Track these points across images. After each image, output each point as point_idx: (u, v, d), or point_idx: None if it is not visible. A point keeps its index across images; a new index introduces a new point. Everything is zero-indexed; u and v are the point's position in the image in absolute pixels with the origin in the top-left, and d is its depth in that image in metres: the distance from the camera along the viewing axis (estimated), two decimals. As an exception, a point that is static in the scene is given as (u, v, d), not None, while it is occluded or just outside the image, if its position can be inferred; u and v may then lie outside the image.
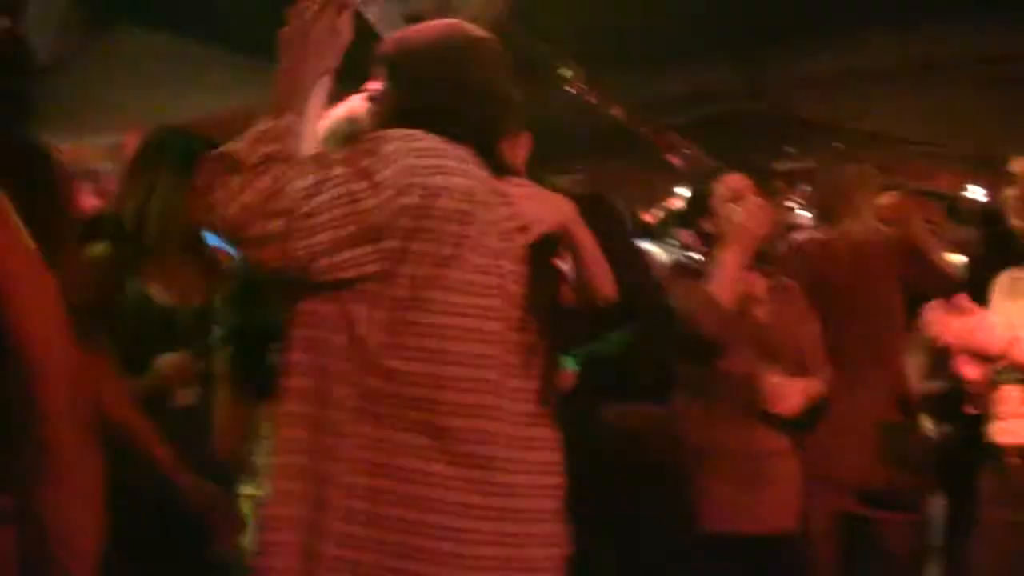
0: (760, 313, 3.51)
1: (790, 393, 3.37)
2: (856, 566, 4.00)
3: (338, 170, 1.88)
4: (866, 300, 4.06)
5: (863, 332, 3.99)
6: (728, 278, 3.43)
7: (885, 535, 4.02)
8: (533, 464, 2.06)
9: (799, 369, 3.47)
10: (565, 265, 2.25)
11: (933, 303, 3.32)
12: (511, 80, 2.20)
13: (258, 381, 2.38)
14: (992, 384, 3.36)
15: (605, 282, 2.31)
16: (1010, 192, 3.44)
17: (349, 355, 1.93)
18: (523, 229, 2.10)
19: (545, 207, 2.21)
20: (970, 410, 3.65)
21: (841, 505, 3.98)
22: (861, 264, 4.12)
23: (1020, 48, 6.54)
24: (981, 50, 6.65)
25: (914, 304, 3.89)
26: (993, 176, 3.65)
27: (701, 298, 3.40)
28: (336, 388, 1.94)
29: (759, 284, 3.55)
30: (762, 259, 3.56)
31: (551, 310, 2.15)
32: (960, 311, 3.26)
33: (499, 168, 2.12)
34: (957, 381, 3.63)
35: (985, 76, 6.72)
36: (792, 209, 5.11)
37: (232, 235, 1.85)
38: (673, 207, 6.58)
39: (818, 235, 4.27)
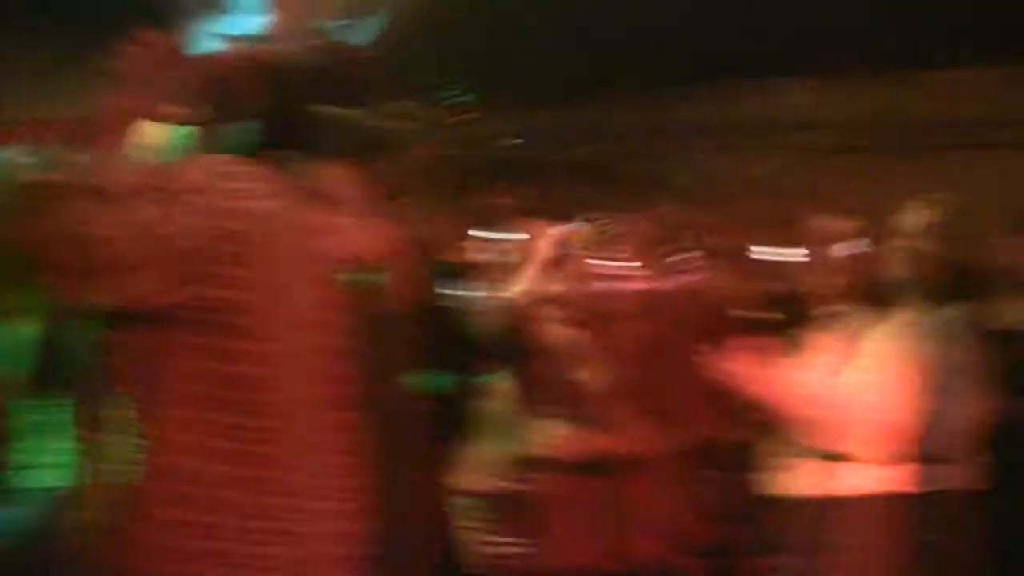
0: (561, 364, 3.61)
1: (570, 442, 3.46)
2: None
3: (148, 196, 1.87)
4: (684, 352, 4.18)
5: (681, 384, 4.11)
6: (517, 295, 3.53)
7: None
8: (337, 491, 2.09)
9: (598, 419, 3.57)
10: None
11: (731, 353, 3.44)
12: (343, 105, 2.23)
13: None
14: (779, 436, 3.51)
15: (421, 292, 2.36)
16: (825, 250, 3.63)
17: (168, 384, 1.95)
18: (347, 258, 2.12)
19: (371, 237, 2.23)
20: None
21: (649, 552, 4.09)
22: (682, 317, 4.25)
23: (834, 115, 6.96)
24: (800, 115, 7.05)
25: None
26: (794, 236, 3.82)
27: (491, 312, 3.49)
28: (155, 410, 1.95)
29: (563, 334, 3.64)
30: (581, 313, 3.67)
31: (376, 337, 2.18)
32: (755, 362, 3.40)
33: (326, 195, 2.15)
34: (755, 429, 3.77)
35: (784, 140, 7.12)
36: (612, 258, 5.22)
37: (40, 265, 1.83)
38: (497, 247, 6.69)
39: (641, 286, 4.39)
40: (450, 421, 3.60)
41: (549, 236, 3.66)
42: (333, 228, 2.14)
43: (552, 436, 3.46)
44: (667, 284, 4.34)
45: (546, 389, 3.54)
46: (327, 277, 2.09)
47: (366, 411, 2.15)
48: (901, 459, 3.41)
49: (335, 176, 2.32)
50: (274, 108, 2.17)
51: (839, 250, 3.58)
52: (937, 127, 7.01)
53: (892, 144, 7.11)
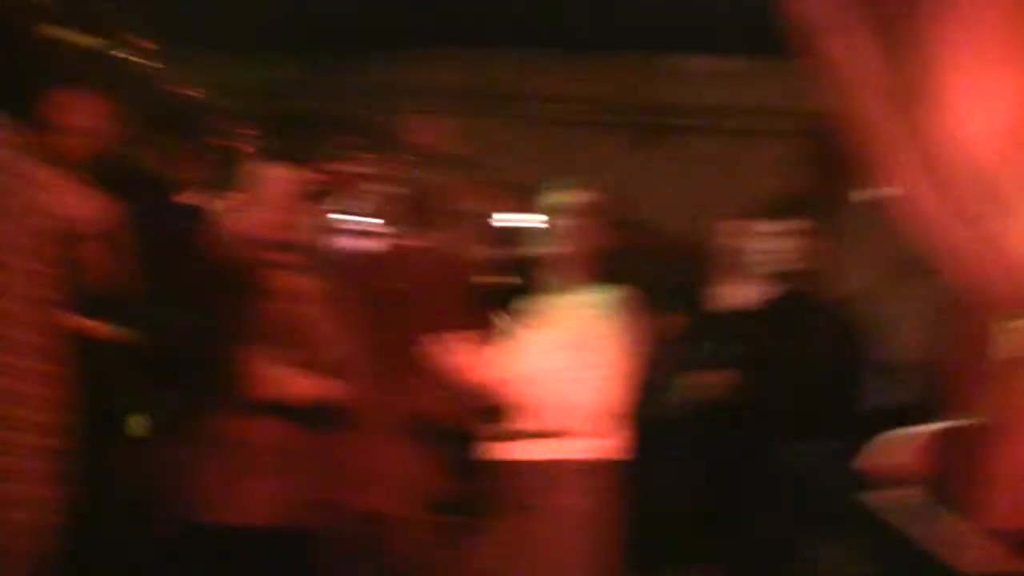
0: (280, 308, 3.58)
1: (292, 386, 3.45)
2: (369, 564, 4.13)
3: None
4: (421, 311, 4.19)
5: (415, 342, 4.12)
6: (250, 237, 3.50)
7: (405, 537, 4.16)
8: (37, 450, 2.01)
9: (322, 368, 3.56)
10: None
11: (452, 332, 3.47)
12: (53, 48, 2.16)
13: None
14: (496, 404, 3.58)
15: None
16: (552, 221, 3.69)
17: None
18: (60, 222, 2.06)
19: (85, 205, 2.18)
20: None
21: (367, 503, 4.11)
22: (418, 276, 4.26)
23: (579, 90, 7.15)
24: (525, 86, 7.21)
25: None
26: (525, 204, 3.90)
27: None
28: None
29: (286, 281, 3.61)
30: (307, 259, 3.64)
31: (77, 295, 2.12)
32: (472, 341, 3.44)
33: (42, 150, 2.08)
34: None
35: (526, 111, 7.26)
36: (348, 212, 5.21)
37: None
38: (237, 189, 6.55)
39: (378, 242, 4.37)
40: (184, 367, 3.51)
41: (287, 182, 3.60)
42: (52, 185, 2.06)
43: (275, 380, 3.42)
44: (404, 243, 4.34)
45: (274, 333, 3.50)
46: (45, 232, 2.02)
47: (76, 366, 2.09)
48: (607, 430, 3.51)
49: (76, 108, 2.25)
50: None
51: (566, 223, 3.65)
52: (678, 111, 7.26)
53: (634, 124, 7.33)
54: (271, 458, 3.47)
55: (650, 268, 4.23)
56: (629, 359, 3.50)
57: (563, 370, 3.47)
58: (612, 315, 3.54)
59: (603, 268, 3.65)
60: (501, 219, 5.79)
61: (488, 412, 3.62)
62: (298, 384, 3.46)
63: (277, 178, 3.60)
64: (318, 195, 3.81)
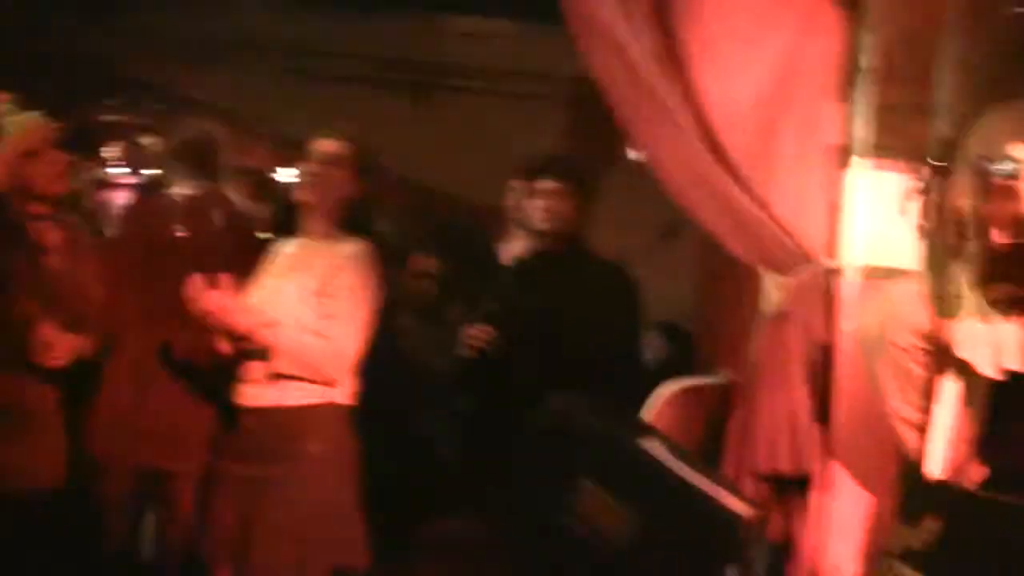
0: (50, 263, 3.47)
1: (59, 347, 3.37)
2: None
3: None
4: (191, 261, 4.10)
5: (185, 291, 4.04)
6: None
7: (186, 490, 4.10)
8: None
9: (79, 324, 3.47)
10: None
11: (196, 276, 3.40)
12: None
13: None
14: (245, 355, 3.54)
15: None
16: (304, 168, 3.69)
17: None
18: None
19: None
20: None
21: (141, 460, 4.04)
22: (187, 226, 4.18)
23: (326, 47, 7.15)
24: (292, 40, 7.17)
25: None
26: (294, 157, 3.85)
27: None
28: None
29: (53, 234, 3.50)
30: (63, 209, 3.55)
31: None
32: (220, 285, 3.39)
33: None
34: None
35: (293, 65, 7.22)
36: (112, 163, 5.07)
37: None
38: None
39: (147, 192, 4.27)
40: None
41: (45, 132, 3.48)
42: None
43: (43, 339, 3.33)
44: (174, 193, 4.26)
45: (37, 289, 3.39)
46: None
47: None
48: (346, 377, 3.53)
49: None
50: None
51: (314, 172, 3.64)
52: (450, 71, 7.33)
53: (411, 83, 7.37)
54: (42, 419, 3.39)
55: (398, 220, 4.24)
56: (369, 308, 3.52)
57: (304, 317, 3.47)
58: (354, 264, 3.56)
59: (348, 218, 3.66)
60: (271, 172, 5.75)
61: (242, 357, 3.57)
62: (65, 342, 3.37)
63: (34, 128, 3.48)
64: (84, 145, 3.69)
